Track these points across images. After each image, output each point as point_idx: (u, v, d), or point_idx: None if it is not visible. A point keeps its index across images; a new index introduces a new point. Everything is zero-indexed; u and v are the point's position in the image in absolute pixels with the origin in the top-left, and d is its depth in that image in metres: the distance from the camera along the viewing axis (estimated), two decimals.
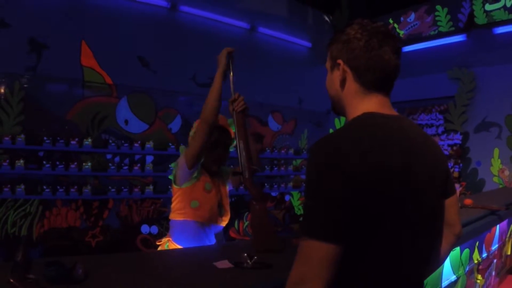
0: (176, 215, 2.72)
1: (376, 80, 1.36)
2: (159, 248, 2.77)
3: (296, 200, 9.00)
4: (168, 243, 2.71)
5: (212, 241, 2.78)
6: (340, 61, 1.39)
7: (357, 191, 1.15)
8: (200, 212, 2.67)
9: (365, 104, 1.37)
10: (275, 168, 8.32)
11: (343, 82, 1.40)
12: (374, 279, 1.25)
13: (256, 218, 2.30)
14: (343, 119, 8.94)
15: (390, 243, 1.24)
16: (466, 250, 3.52)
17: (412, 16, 8.23)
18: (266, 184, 8.27)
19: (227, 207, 2.89)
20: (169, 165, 2.94)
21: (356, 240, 1.18)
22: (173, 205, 2.76)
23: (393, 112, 1.40)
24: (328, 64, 1.49)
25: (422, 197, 1.31)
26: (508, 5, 6.75)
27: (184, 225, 2.66)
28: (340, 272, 1.16)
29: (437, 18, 7.78)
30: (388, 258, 1.25)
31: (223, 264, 1.97)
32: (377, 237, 1.22)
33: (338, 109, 1.49)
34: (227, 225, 2.89)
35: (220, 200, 2.83)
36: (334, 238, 1.14)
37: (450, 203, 1.54)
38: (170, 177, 2.79)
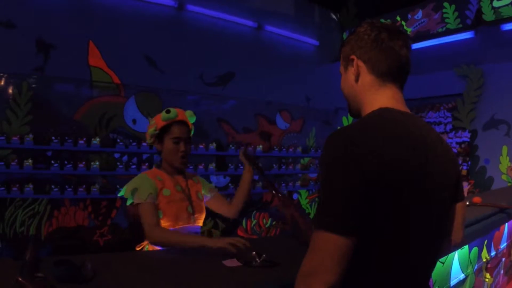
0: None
1: (389, 69, 1.40)
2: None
3: (304, 198, 8.98)
4: (147, 246, 2.67)
5: None
6: (353, 56, 1.44)
7: (372, 186, 1.16)
8: (166, 220, 2.62)
9: (381, 96, 1.41)
10: (283, 167, 8.32)
11: (357, 76, 1.44)
12: (383, 273, 1.27)
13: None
14: (351, 118, 8.92)
15: (400, 240, 1.26)
16: (475, 249, 3.51)
17: (420, 14, 8.20)
18: (274, 184, 8.24)
19: (200, 205, 2.82)
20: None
21: (368, 234, 1.20)
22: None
23: (407, 109, 1.42)
24: (341, 67, 1.54)
25: (434, 197, 1.33)
26: None
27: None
28: (351, 265, 1.17)
29: (444, 15, 7.74)
30: (397, 253, 1.27)
31: (232, 262, 1.97)
32: (388, 232, 1.23)
33: (354, 107, 1.52)
34: (235, 224, 2.89)
35: (189, 199, 2.75)
36: (349, 232, 1.15)
37: (457, 208, 1.56)
38: (127, 203, 2.69)
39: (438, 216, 1.37)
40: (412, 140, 1.29)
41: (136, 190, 2.53)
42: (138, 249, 2.77)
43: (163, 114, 2.70)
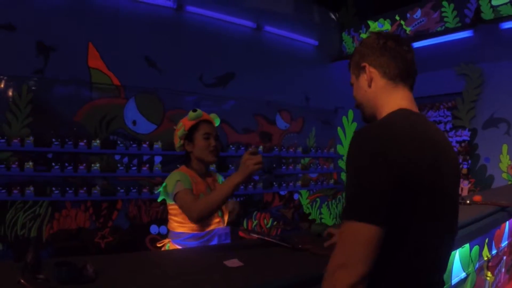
0: (175, 227, 2.68)
1: (400, 72, 1.52)
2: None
3: (304, 198, 8.99)
4: (169, 245, 2.69)
5: (214, 243, 2.73)
6: (364, 63, 1.56)
7: (399, 179, 1.24)
8: (200, 224, 2.61)
9: (395, 97, 1.53)
10: (283, 167, 8.32)
11: (370, 81, 1.56)
12: (407, 263, 1.34)
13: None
14: (350, 117, 8.95)
15: (421, 231, 1.33)
16: (476, 247, 3.51)
17: (419, 13, 8.20)
18: (274, 183, 8.26)
19: (225, 205, 2.83)
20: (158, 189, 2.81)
21: (394, 225, 1.26)
22: (172, 216, 2.71)
23: (417, 109, 1.55)
24: (353, 77, 1.66)
25: (447, 192, 1.42)
26: None
27: (184, 236, 2.62)
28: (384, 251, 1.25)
29: (443, 14, 7.75)
30: (420, 245, 1.35)
31: (233, 263, 1.97)
32: (411, 225, 1.31)
33: (369, 112, 1.62)
34: (236, 224, 2.88)
35: None
36: (381, 221, 1.23)
37: None
38: (159, 199, 2.74)
39: (450, 210, 1.47)
40: (427, 139, 1.39)
41: (178, 181, 2.52)
42: (159, 245, 2.80)
43: (190, 113, 2.74)
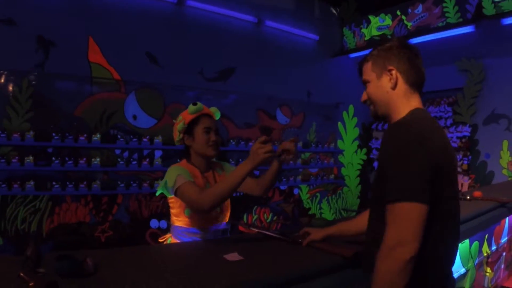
0: (174, 220, 2.67)
1: (417, 81, 1.76)
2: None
3: (304, 193, 9.00)
4: (170, 239, 2.69)
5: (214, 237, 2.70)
6: (392, 67, 1.74)
7: (435, 164, 1.50)
8: (195, 219, 2.60)
9: (413, 101, 1.75)
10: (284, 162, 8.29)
11: (395, 84, 1.74)
12: (441, 237, 1.59)
13: None
14: (351, 112, 8.96)
15: (448, 212, 1.61)
16: (476, 243, 3.51)
17: (420, 8, 8.18)
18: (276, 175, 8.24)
19: (227, 202, 2.80)
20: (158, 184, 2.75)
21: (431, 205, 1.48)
22: (170, 209, 2.70)
23: None
24: (371, 75, 1.81)
25: (456, 179, 1.71)
26: None
27: (183, 231, 2.61)
28: None
29: (445, 10, 7.73)
30: (448, 222, 1.63)
31: (233, 256, 1.98)
32: (441, 204, 1.55)
33: (383, 110, 1.80)
34: (235, 217, 2.86)
35: None
36: (428, 200, 1.45)
37: None
38: (157, 193, 2.68)
39: (456, 192, 1.69)
40: (442, 132, 1.68)
41: (179, 175, 2.49)
42: (160, 241, 2.79)
43: (190, 107, 2.67)
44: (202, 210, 2.34)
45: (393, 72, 1.73)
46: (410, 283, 1.45)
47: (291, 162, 8.31)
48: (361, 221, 2.04)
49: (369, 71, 1.81)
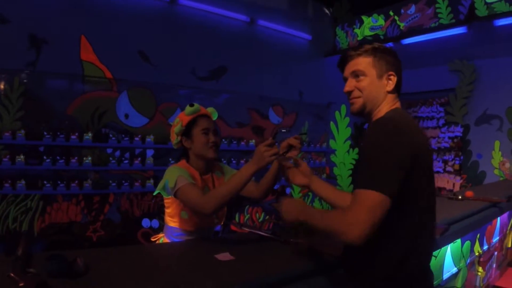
0: (168, 221, 2.64)
1: (400, 87, 1.85)
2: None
3: (296, 193, 8.99)
4: (162, 239, 2.67)
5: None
6: (393, 73, 1.81)
7: (412, 158, 1.56)
8: (191, 222, 2.56)
9: (396, 103, 1.84)
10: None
11: (392, 89, 1.82)
12: (420, 230, 1.68)
13: None
14: (343, 112, 8.94)
15: (426, 206, 1.68)
16: (467, 243, 3.52)
17: (413, 8, 8.20)
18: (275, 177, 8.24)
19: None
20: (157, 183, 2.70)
21: (404, 198, 1.56)
22: (165, 209, 2.66)
23: None
24: (371, 71, 1.81)
25: (432, 171, 1.75)
26: None
27: (177, 231, 2.58)
28: (392, 221, 1.57)
29: (437, 10, 7.75)
30: (425, 215, 1.70)
31: (224, 256, 1.97)
32: (420, 198, 1.65)
33: (369, 107, 1.83)
34: (228, 217, 2.83)
35: None
36: (391, 193, 1.50)
37: None
38: (155, 192, 2.64)
39: (433, 188, 1.77)
40: (418, 128, 1.76)
41: (180, 176, 2.46)
42: (153, 240, 2.77)
43: (187, 108, 2.61)
44: (205, 213, 2.32)
45: (393, 77, 1.81)
46: (392, 275, 1.64)
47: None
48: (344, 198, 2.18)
49: (368, 66, 1.80)
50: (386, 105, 1.80)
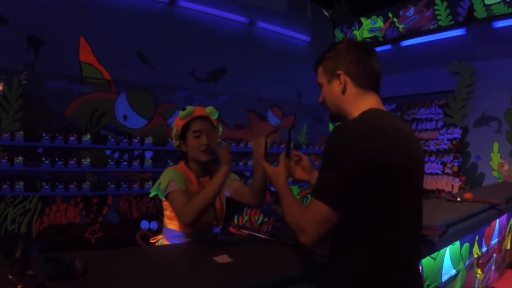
0: (167, 223, 2.64)
1: (370, 82, 1.72)
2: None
3: (295, 195, 8.99)
4: (161, 241, 2.67)
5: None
6: (340, 72, 1.72)
7: (370, 166, 1.44)
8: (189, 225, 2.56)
9: (367, 101, 1.70)
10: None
11: (344, 89, 1.72)
12: (383, 240, 1.55)
13: None
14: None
15: (394, 211, 1.55)
16: (466, 245, 3.52)
17: (412, 10, 8.21)
18: (266, 179, 8.24)
19: (221, 208, 2.75)
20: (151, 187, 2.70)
21: (366, 210, 1.51)
22: (164, 211, 2.66)
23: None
24: (323, 79, 1.81)
25: (415, 176, 1.63)
26: None
27: (176, 234, 2.58)
28: (351, 233, 1.55)
29: (436, 12, 7.76)
30: (389, 225, 1.55)
31: (223, 259, 1.97)
32: (383, 207, 1.52)
33: (337, 113, 1.79)
34: (226, 219, 2.83)
35: (213, 206, 2.66)
36: (339, 206, 1.47)
37: None
38: (151, 194, 2.64)
39: (418, 192, 1.67)
40: (396, 130, 1.59)
41: (172, 180, 2.46)
42: (152, 241, 2.78)
43: (180, 112, 2.62)
44: (184, 222, 2.34)
45: (341, 76, 1.72)
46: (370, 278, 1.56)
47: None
48: None
49: (321, 75, 1.83)
50: (353, 107, 1.71)
